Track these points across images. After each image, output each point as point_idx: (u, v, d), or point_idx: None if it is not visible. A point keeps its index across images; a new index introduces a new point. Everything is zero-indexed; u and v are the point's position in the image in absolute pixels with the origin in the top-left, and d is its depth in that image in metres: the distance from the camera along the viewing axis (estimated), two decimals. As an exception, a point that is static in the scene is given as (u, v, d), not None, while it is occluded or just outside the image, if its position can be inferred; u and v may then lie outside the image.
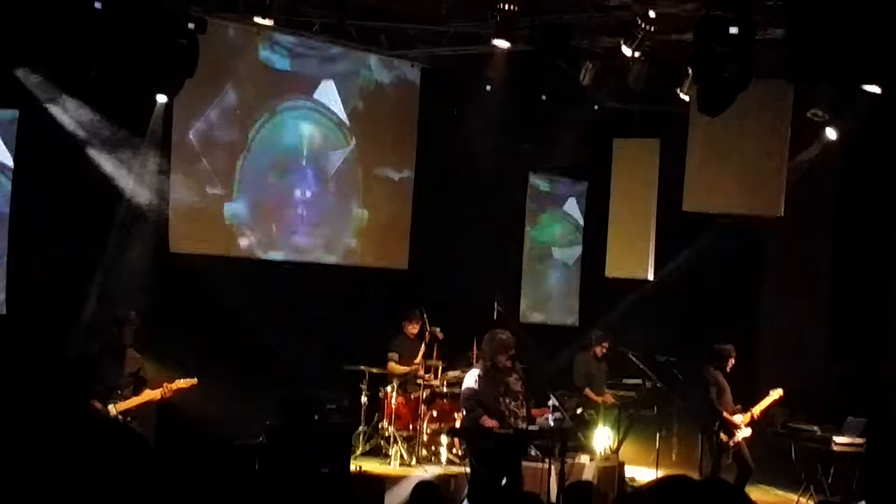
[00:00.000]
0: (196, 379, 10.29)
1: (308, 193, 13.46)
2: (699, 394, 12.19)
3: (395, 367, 12.73)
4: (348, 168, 13.79)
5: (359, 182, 13.88)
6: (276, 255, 13.18)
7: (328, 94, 13.50)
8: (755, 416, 12.04)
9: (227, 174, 12.70)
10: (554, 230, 16.42)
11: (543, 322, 15.96)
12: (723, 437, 11.86)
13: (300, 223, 13.45)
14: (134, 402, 10.02)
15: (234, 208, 12.82)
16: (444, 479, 11.38)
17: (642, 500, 2.93)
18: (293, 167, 13.34)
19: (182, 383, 10.26)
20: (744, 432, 11.94)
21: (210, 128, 12.50)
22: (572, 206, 16.54)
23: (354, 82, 13.74)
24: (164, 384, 10.19)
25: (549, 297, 16.38)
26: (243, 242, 12.93)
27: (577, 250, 16.54)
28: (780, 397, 12.24)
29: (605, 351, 13.74)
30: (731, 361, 12.15)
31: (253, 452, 10.75)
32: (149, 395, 10.11)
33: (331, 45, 13.28)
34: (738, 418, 11.95)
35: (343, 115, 13.64)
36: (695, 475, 11.64)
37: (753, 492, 12.31)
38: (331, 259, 13.68)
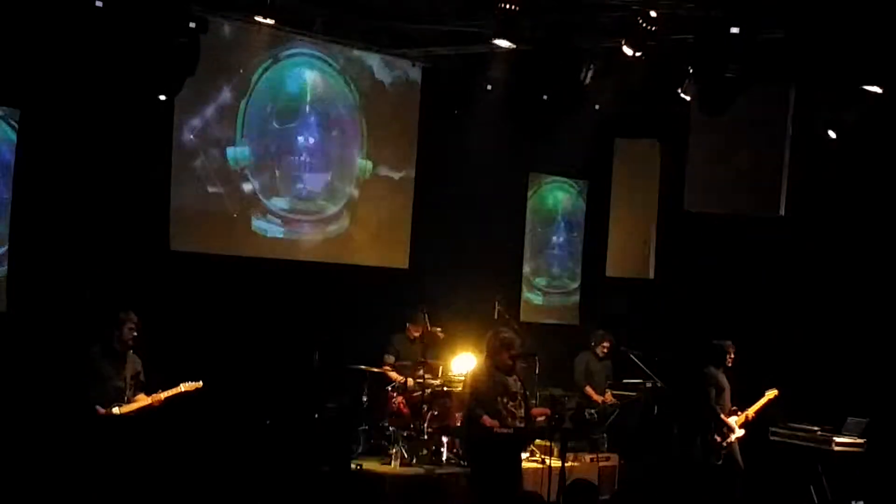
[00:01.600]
0: (201, 382, 10.26)
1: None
2: (697, 393, 12.19)
3: (389, 371, 12.71)
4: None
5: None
6: (277, 250, 13.16)
7: (329, 93, 13.52)
8: (749, 417, 12.06)
9: (228, 167, 12.70)
10: (555, 227, 16.42)
11: (544, 321, 15.95)
12: (716, 437, 11.87)
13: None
14: (133, 407, 9.98)
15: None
16: (444, 479, 11.39)
17: None
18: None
19: (186, 386, 10.22)
20: (737, 433, 11.95)
21: (211, 126, 12.50)
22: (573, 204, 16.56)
23: (354, 83, 13.74)
24: (159, 392, 10.12)
25: (550, 293, 16.38)
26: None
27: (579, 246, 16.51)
28: (775, 396, 12.25)
29: (606, 350, 13.75)
30: (731, 357, 12.14)
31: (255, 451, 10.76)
32: (143, 400, 10.04)
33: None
34: (733, 420, 11.95)
35: (342, 113, 13.64)
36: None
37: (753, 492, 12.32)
38: (332, 253, 13.66)
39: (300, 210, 13.32)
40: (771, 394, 12.22)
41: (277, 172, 13.15)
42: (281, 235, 13.20)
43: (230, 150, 12.70)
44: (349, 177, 13.81)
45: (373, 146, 13.91)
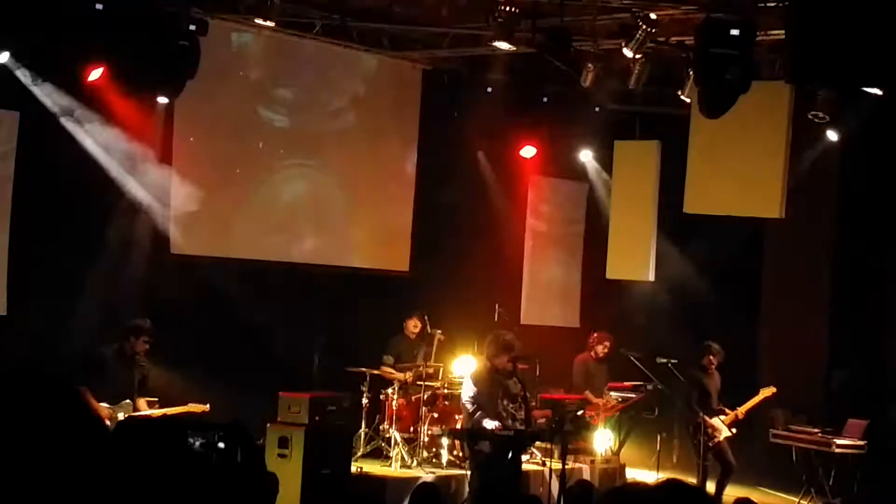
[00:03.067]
0: (208, 406, 10.29)
1: (310, 190, 13.47)
2: (684, 395, 12.26)
3: (387, 371, 12.71)
4: (349, 165, 13.79)
5: (360, 179, 13.85)
6: (278, 252, 13.22)
7: (330, 93, 13.51)
8: (739, 416, 12.07)
9: (228, 168, 12.72)
10: (555, 229, 16.42)
11: (544, 323, 15.94)
12: (702, 438, 11.90)
13: (301, 219, 13.47)
14: (149, 414, 10.04)
15: (236, 203, 12.86)
16: (444, 481, 11.39)
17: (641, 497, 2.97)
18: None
19: (193, 407, 10.27)
20: (725, 432, 11.96)
21: (211, 128, 12.50)
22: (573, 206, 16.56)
23: (355, 84, 13.74)
24: (165, 410, 10.19)
25: (550, 296, 16.38)
26: (244, 238, 12.96)
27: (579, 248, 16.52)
28: (772, 394, 12.26)
29: (606, 350, 13.73)
30: (712, 359, 12.16)
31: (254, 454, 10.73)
32: (146, 412, 10.11)
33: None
34: (718, 420, 11.97)
35: (343, 113, 13.63)
36: (694, 476, 11.68)
37: (754, 494, 12.31)
38: (332, 256, 13.68)
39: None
40: (767, 391, 12.24)
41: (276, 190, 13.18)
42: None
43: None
44: (349, 193, 13.82)
45: (372, 157, 13.95)
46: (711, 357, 12.19)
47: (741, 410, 12.08)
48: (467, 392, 10.14)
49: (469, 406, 10.10)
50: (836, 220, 14.16)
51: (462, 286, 13.78)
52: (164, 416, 10.13)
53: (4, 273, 11.00)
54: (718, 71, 9.77)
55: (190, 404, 10.26)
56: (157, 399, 10.54)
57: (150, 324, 10.29)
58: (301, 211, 13.45)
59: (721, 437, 11.95)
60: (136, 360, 10.22)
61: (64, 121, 11.19)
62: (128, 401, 10.13)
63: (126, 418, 9.99)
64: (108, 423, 9.90)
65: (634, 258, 14.69)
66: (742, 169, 12.72)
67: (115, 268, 11.49)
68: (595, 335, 13.79)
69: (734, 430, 12.02)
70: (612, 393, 13.79)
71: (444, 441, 12.10)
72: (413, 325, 12.98)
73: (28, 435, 2.46)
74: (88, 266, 11.33)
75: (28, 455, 2.44)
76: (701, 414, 11.92)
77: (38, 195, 11.08)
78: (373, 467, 11.90)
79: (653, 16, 10.83)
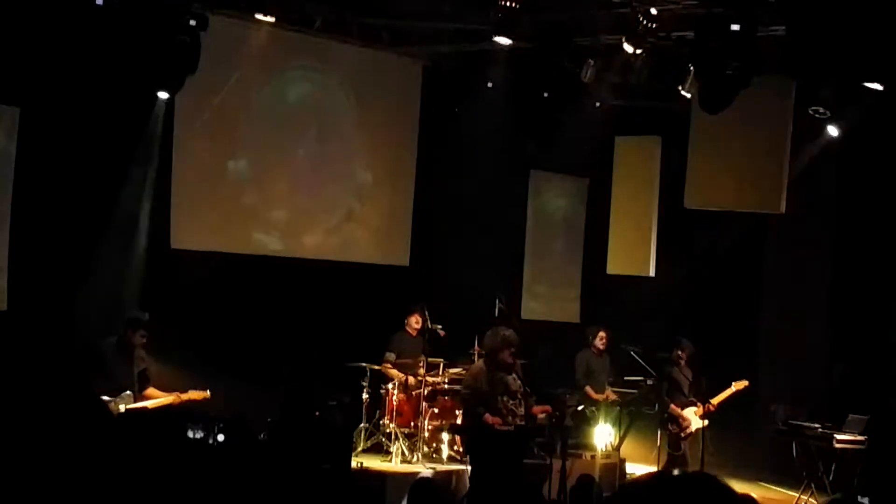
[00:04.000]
0: (208, 392, 10.35)
1: (311, 184, 13.45)
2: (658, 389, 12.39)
3: (388, 368, 12.72)
4: (350, 160, 13.78)
5: (361, 174, 13.87)
6: (278, 247, 13.17)
7: (330, 91, 13.52)
8: (711, 408, 12.13)
9: (228, 163, 12.71)
10: (556, 224, 16.43)
11: (545, 318, 15.95)
12: (672, 428, 12.05)
13: (302, 214, 13.44)
14: (148, 405, 10.09)
15: (236, 198, 12.83)
16: (445, 477, 11.40)
17: (637, 492, 2.96)
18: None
19: (194, 395, 10.33)
20: (697, 423, 12.05)
21: (211, 124, 12.50)
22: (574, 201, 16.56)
23: (355, 82, 13.74)
24: (177, 393, 10.28)
25: (551, 291, 16.38)
26: (244, 233, 12.92)
27: (580, 244, 16.53)
28: (745, 387, 12.35)
29: (605, 342, 13.75)
30: (681, 353, 12.29)
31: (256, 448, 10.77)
32: (163, 400, 10.19)
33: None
34: (689, 412, 12.07)
35: (343, 111, 13.64)
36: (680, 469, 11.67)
37: (755, 489, 12.32)
38: (333, 251, 13.67)
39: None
40: (739, 385, 12.33)
41: (277, 185, 13.18)
42: (280, 247, 13.23)
43: (230, 163, 12.71)
44: (350, 189, 13.82)
45: (372, 153, 13.94)
46: (680, 352, 12.33)
47: (713, 402, 12.18)
48: (467, 388, 10.15)
49: (469, 402, 10.10)
50: (837, 215, 14.15)
51: (462, 281, 13.78)
52: (181, 402, 10.20)
53: (5, 268, 11.00)
54: (719, 66, 9.78)
55: (191, 391, 10.32)
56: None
57: (147, 317, 10.34)
58: (302, 206, 13.45)
59: (692, 429, 12.07)
60: (134, 353, 10.27)
61: (64, 116, 11.17)
62: (128, 392, 10.16)
63: (127, 410, 10.02)
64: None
65: (635, 253, 14.71)
66: (743, 164, 12.73)
67: (116, 263, 11.49)
68: (591, 330, 13.83)
69: (706, 422, 12.08)
70: (612, 388, 13.82)
71: (445, 436, 12.11)
72: (415, 322, 12.99)
73: (39, 421, 2.47)
74: (89, 261, 11.34)
75: (38, 440, 2.45)
76: (670, 405, 12.05)
77: (39, 191, 11.08)
78: (373, 462, 11.91)
79: (653, 10, 10.82)
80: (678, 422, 12.13)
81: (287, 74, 13.12)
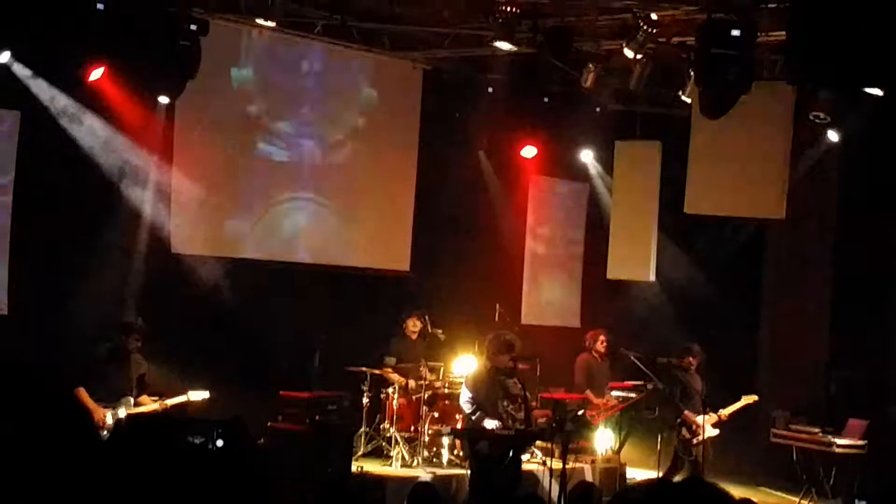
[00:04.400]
0: (208, 393, 10.35)
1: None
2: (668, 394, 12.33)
3: (388, 373, 12.71)
4: (350, 164, 13.79)
5: (361, 179, 13.88)
6: (278, 252, 13.17)
7: (331, 93, 13.53)
8: (722, 418, 12.09)
9: (229, 168, 12.73)
10: (556, 229, 16.43)
11: (545, 323, 15.95)
12: (684, 434, 11.96)
13: (302, 219, 13.45)
14: (137, 411, 10.09)
15: (237, 203, 12.83)
16: (445, 481, 11.39)
17: (637, 497, 2.98)
18: (296, 163, 13.34)
19: (193, 396, 10.33)
20: (710, 432, 11.98)
21: (212, 128, 12.51)
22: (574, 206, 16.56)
23: (356, 84, 13.75)
24: (162, 401, 10.24)
25: (551, 296, 16.39)
26: (245, 238, 12.93)
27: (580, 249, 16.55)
28: (754, 402, 12.30)
29: (604, 346, 13.74)
30: (692, 360, 12.23)
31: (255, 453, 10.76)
32: (149, 405, 10.18)
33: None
34: (701, 419, 12.01)
35: (344, 113, 13.64)
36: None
37: (755, 494, 12.32)
38: (333, 256, 13.68)
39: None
40: (749, 399, 12.27)
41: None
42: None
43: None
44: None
45: (373, 156, 13.95)
46: (691, 359, 12.27)
47: (724, 413, 12.12)
48: (465, 394, 10.14)
49: (468, 407, 10.10)
50: (837, 220, 14.16)
51: (462, 286, 13.78)
52: (165, 409, 10.17)
53: (5, 273, 11.01)
54: (719, 71, 9.78)
55: (190, 393, 10.31)
56: (158, 396, 10.56)
57: (140, 322, 10.33)
58: (301, 211, 13.45)
59: (705, 436, 11.99)
60: (131, 358, 10.26)
61: (64, 120, 11.18)
62: (128, 397, 10.17)
63: (127, 416, 10.03)
64: (108, 420, 9.97)
65: (635, 258, 14.70)
66: (743, 169, 12.72)
67: (116, 268, 11.50)
68: (590, 334, 13.82)
69: (717, 431, 12.05)
70: (612, 392, 13.81)
71: (445, 440, 12.11)
72: (412, 325, 12.98)
73: (20, 433, 2.47)
74: (89, 266, 11.34)
75: (19, 452, 2.45)
76: (685, 411, 11.97)
77: (39, 195, 11.08)
78: (373, 466, 11.90)
79: (654, 16, 10.83)
80: (692, 428, 12.02)
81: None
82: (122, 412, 9.98)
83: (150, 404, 10.22)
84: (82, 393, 9.93)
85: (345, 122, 13.73)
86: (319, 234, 13.63)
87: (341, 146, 13.75)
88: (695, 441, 11.97)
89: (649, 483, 3.11)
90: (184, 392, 10.39)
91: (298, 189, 13.41)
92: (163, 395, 10.46)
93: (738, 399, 12.31)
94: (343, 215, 13.80)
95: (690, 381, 12.24)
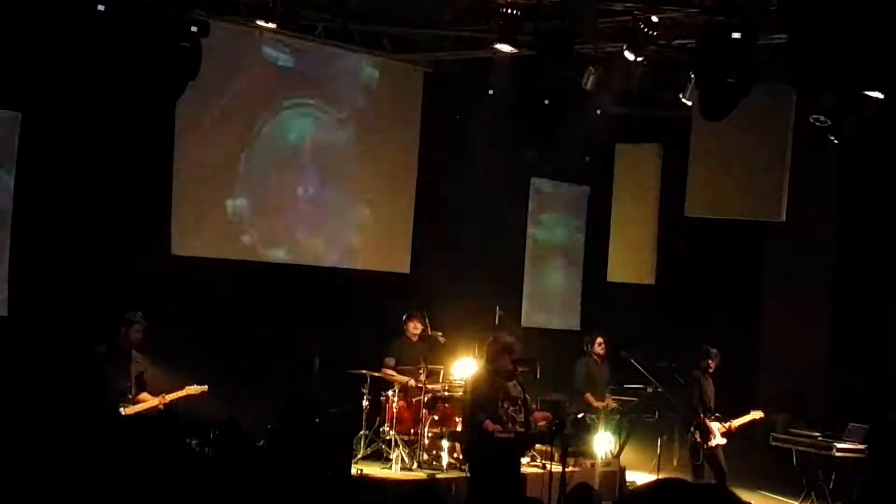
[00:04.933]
0: (206, 386, 10.36)
1: (311, 190, 13.46)
2: (685, 395, 12.26)
3: (387, 373, 12.71)
4: (350, 166, 13.80)
5: (361, 181, 13.89)
6: (278, 253, 13.19)
7: (331, 94, 13.52)
8: (732, 429, 12.05)
9: (229, 170, 12.71)
10: (556, 232, 16.43)
11: (545, 326, 15.95)
12: (697, 438, 11.91)
13: (302, 220, 13.46)
14: (138, 408, 10.10)
15: (237, 205, 12.83)
16: (444, 484, 11.38)
17: (639, 501, 2.96)
18: (295, 164, 13.34)
19: (192, 390, 10.33)
20: (719, 440, 11.94)
21: (213, 130, 12.51)
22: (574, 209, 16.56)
23: (357, 86, 13.75)
24: (162, 395, 10.25)
25: (551, 298, 16.38)
26: (245, 240, 12.93)
27: (580, 251, 16.54)
28: (760, 418, 12.28)
29: (604, 348, 13.74)
30: (712, 364, 12.17)
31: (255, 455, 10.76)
32: (150, 402, 10.19)
33: (334, 47, 13.29)
34: (716, 426, 11.98)
35: (345, 114, 13.65)
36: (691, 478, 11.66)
37: (755, 498, 12.31)
38: (333, 258, 13.69)
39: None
40: (756, 415, 12.24)
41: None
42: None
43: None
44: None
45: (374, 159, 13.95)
46: (710, 361, 12.19)
47: (735, 424, 12.09)
48: (466, 394, 10.12)
49: (469, 408, 10.07)
50: (837, 223, 14.15)
51: (463, 288, 13.77)
52: (163, 406, 10.17)
53: (6, 274, 11.00)
54: (720, 74, 9.77)
55: (188, 387, 10.31)
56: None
57: (140, 315, 10.34)
58: (302, 213, 13.45)
59: (714, 443, 11.96)
60: (131, 355, 10.25)
61: (65, 121, 11.18)
62: (129, 397, 10.17)
63: (125, 414, 10.02)
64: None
65: (636, 261, 14.72)
66: (743, 172, 12.73)
67: (116, 269, 11.48)
68: (590, 337, 13.82)
69: (725, 440, 12.04)
70: (612, 396, 13.81)
71: (445, 443, 12.09)
72: (413, 327, 12.97)
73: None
74: (89, 268, 11.33)
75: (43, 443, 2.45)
76: (701, 415, 11.92)
77: (39, 196, 11.08)
78: (373, 469, 11.89)
79: (654, 18, 10.82)
80: (706, 433, 11.95)
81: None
82: (121, 411, 9.99)
83: (149, 401, 10.21)
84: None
85: (345, 124, 13.72)
86: (320, 235, 13.61)
87: (341, 147, 13.74)
88: (706, 447, 11.91)
89: (650, 486, 3.08)
90: (182, 388, 10.38)
91: (299, 189, 13.40)
92: (162, 394, 10.44)
93: (745, 409, 12.28)
94: (343, 217, 13.79)
95: (707, 386, 12.18)
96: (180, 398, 10.32)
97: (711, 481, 11.84)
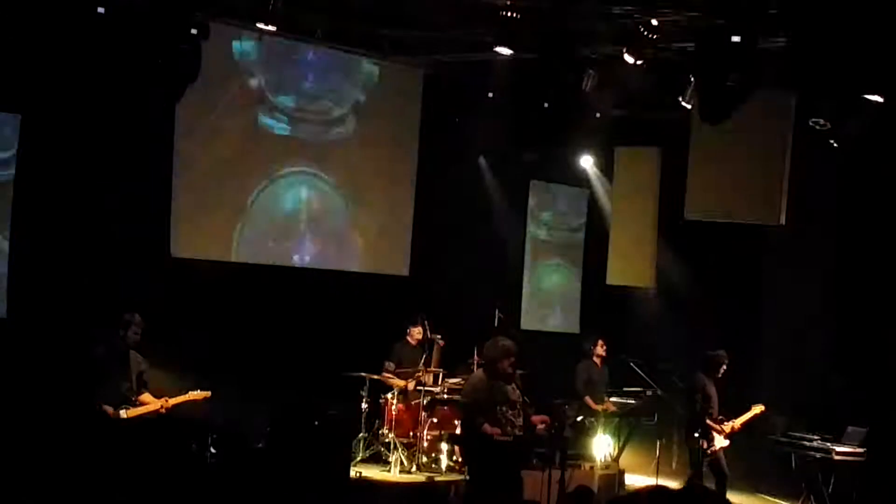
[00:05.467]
0: (209, 392, 10.36)
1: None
2: (687, 399, 12.18)
3: (386, 376, 12.71)
4: (349, 168, 13.79)
5: (360, 183, 13.88)
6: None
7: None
8: (735, 429, 12.01)
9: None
10: (556, 234, 16.44)
11: (545, 328, 15.96)
12: (702, 443, 11.86)
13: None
14: (140, 411, 10.10)
15: (237, 205, 12.84)
16: (443, 486, 11.38)
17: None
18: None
19: (195, 395, 10.34)
20: (721, 442, 11.90)
21: (213, 132, 12.51)
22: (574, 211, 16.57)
23: (356, 87, 13.75)
24: (164, 398, 10.25)
25: (551, 301, 16.39)
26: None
27: (580, 254, 16.56)
28: (762, 412, 12.24)
29: (603, 351, 13.73)
30: (723, 368, 12.10)
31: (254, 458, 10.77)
32: (152, 406, 10.19)
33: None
34: (720, 429, 11.94)
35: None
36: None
37: (754, 501, 12.32)
38: (332, 260, 13.70)
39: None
40: (757, 409, 12.19)
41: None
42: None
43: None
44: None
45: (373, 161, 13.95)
46: (723, 367, 12.04)
47: (737, 423, 12.02)
48: (466, 397, 10.12)
49: (468, 411, 10.07)
50: (837, 227, 14.14)
51: (462, 291, 13.77)
52: (165, 410, 10.18)
53: (5, 276, 11.00)
54: (719, 77, 9.77)
55: (191, 392, 10.32)
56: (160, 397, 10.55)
57: (137, 316, 10.33)
58: (301, 215, 13.45)
59: (717, 447, 11.92)
60: (130, 356, 10.24)
61: (65, 124, 11.18)
62: (131, 398, 10.16)
63: (128, 416, 10.02)
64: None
65: (635, 264, 14.71)
66: (743, 175, 12.72)
67: (115, 271, 11.48)
68: (589, 339, 13.82)
69: (728, 442, 12.00)
70: (611, 399, 13.81)
71: (444, 446, 12.09)
72: (417, 333, 12.97)
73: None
74: (89, 270, 11.34)
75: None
76: (707, 420, 11.87)
77: (39, 198, 11.08)
78: (372, 472, 11.89)
79: (654, 21, 10.82)
80: (709, 437, 11.85)
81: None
82: (123, 413, 9.99)
83: (151, 403, 10.21)
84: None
85: (344, 126, 13.72)
86: (319, 238, 13.62)
87: (341, 148, 13.74)
88: (710, 451, 11.88)
89: (648, 490, 3.09)
90: (184, 392, 10.39)
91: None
92: (164, 396, 10.43)
93: (745, 408, 12.24)
94: (343, 219, 13.79)
95: (712, 389, 12.12)
96: (183, 402, 10.32)
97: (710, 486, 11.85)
